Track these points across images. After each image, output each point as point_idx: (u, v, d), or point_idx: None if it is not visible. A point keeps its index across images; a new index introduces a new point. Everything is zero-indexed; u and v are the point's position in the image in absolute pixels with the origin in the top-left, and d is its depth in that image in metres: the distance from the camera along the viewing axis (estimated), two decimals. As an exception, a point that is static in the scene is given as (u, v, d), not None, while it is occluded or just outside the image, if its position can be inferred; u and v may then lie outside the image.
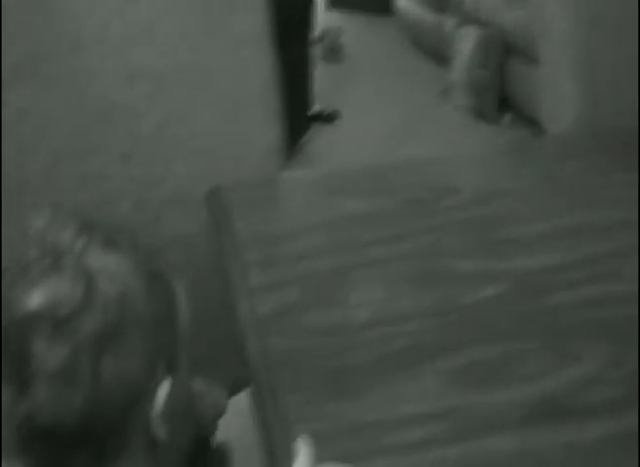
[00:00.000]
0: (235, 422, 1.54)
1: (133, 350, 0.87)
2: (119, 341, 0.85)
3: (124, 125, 1.63)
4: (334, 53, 4.71)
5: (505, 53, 3.76)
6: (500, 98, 3.85)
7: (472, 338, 1.16)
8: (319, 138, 3.75)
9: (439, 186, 1.53)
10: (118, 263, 0.88)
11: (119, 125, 1.62)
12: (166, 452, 0.98)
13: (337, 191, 1.54)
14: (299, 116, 3.30)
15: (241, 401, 1.57)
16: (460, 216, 1.44)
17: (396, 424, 1.01)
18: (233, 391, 1.53)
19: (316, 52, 4.38)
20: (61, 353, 0.83)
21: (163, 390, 0.91)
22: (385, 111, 3.94)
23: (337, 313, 1.21)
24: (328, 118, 3.97)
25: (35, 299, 0.84)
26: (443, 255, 1.34)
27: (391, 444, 0.99)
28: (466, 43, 3.89)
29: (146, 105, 1.65)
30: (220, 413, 1.19)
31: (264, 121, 1.76)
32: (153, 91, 1.65)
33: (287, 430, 1.01)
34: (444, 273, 1.29)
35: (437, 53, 4.38)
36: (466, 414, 1.03)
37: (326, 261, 1.33)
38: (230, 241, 1.38)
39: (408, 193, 1.51)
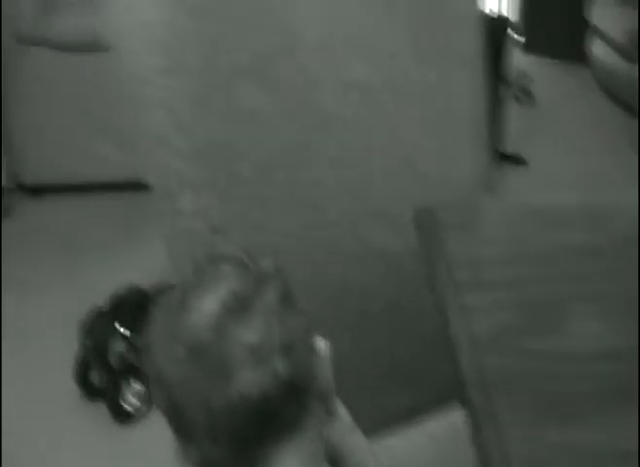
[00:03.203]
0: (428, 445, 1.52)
1: (299, 309, 0.98)
2: (292, 303, 0.97)
3: (336, 134, 1.63)
4: (525, 96, 4.66)
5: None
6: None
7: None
8: (507, 179, 3.71)
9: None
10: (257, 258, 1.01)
11: (332, 133, 1.62)
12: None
13: (548, 222, 1.50)
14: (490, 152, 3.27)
15: (432, 423, 1.55)
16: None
17: (617, 457, 0.97)
18: (440, 405, 1.51)
19: (508, 93, 4.35)
20: (257, 326, 0.92)
21: (323, 345, 1.04)
22: (575, 159, 3.88)
23: (554, 340, 1.17)
24: (517, 160, 3.92)
25: (219, 293, 0.93)
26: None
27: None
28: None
29: (358, 116, 1.65)
30: None
31: (472, 143, 1.74)
32: (365, 104, 1.65)
33: (505, 450, 0.97)
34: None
35: (629, 105, 4.29)
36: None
37: (541, 289, 1.29)
38: (442, 261, 1.36)
39: (623, 231, 1.45)
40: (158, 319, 0.97)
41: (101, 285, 3.01)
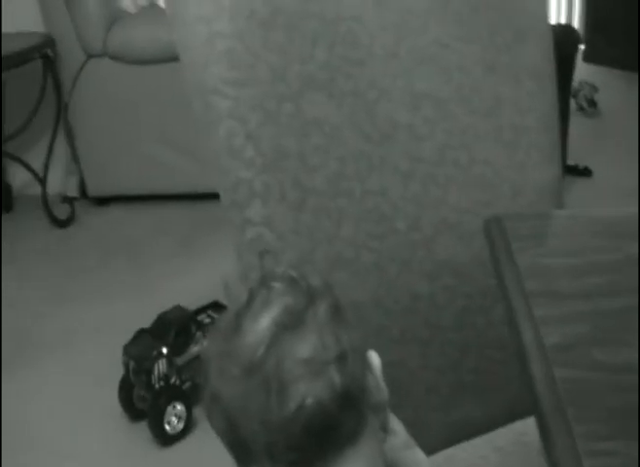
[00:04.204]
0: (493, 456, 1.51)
1: (351, 323, 1.00)
2: (343, 317, 0.99)
3: (406, 146, 1.63)
4: (589, 106, 4.63)
5: None
6: None
7: None
8: (572, 191, 3.69)
9: None
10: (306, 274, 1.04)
11: (401, 145, 1.63)
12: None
13: (614, 233, 1.49)
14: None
15: (501, 437, 1.54)
16: None
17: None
18: (511, 419, 1.51)
19: (573, 103, 4.33)
20: (310, 339, 0.94)
21: (375, 358, 1.04)
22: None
23: (625, 352, 1.16)
24: (582, 172, 3.90)
25: (272, 311, 0.95)
26: None
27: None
28: None
29: (428, 128, 1.65)
30: None
31: (543, 156, 1.74)
32: (436, 115, 1.65)
33: (577, 463, 0.97)
34: None
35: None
36: None
37: (611, 301, 1.28)
38: (511, 271, 1.35)
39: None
40: (212, 341, 1.01)
41: (163, 296, 3.04)
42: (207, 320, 2.79)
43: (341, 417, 0.95)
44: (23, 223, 4.15)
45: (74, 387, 2.92)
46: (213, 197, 1.60)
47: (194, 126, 1.58)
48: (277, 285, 1.00)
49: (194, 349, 2.68)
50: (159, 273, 3.55)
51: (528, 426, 1.31)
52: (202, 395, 1.01)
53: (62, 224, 4.09)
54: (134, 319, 2.79)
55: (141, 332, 2.72)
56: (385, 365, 1.08)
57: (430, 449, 1.50)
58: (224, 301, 2.84)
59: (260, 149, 1.49)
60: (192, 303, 2.85)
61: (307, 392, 0.92)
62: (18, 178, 4.31)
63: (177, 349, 2.64)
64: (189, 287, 3.23)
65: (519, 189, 1.72)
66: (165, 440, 2.60)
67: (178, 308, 2.77)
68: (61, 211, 4.10)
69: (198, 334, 2.71)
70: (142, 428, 2.63)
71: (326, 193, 1.55)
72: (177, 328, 2.67)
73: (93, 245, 3.91)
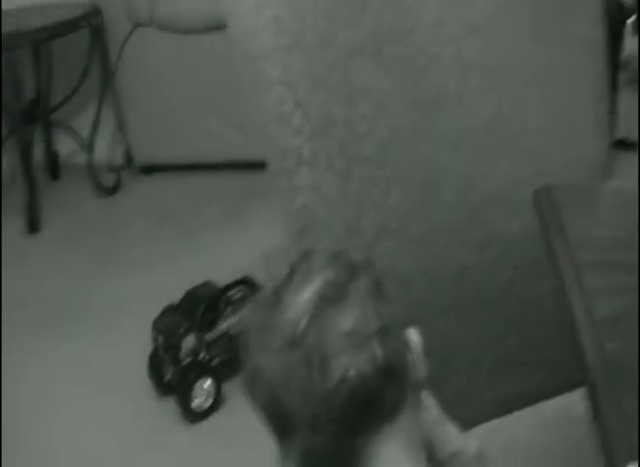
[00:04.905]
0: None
1: (391, 300, 1.01)
2: (384, 293, 1.00)
3: (455, 116, 1.62)
4: (638, 79, 4.57)
5: None
6: None
7: None
8: (620, 163, 3.65)
9: None
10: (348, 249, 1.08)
11: (450, 114, 1.61)
12: None
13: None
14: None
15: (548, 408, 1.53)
16: None
17: None
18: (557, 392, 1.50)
19: (620, 77, 4.27)
20: (352, 312, 0.95)
21: (415, 335, 1.04)
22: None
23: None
24: (631, 145, 3.85)
25: (314, 284, 0.96)
26: None
27: None
28: None
29: (478, 98, 1.63)
30: None
31: (593, 127, 1.72)
32: (485, 85, 1.64)
33: (628, 434, 0.96)
34: None
35: None
36: None
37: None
38: (561, 243, 1.34)
39: None
40: (252, 315, 1.01)
41: (208, 265, 3.04)
42: (237, 295, 2.76)
43: (383, 390, 0.96)
44: (70, 191, 4.18)
45: (106, 358, 2.93)
46: (260, 166, 1.60)
47: (240, 96, 1.57)
48: (318, 259, 1.01)
49: (223, 325, 2.66)
50: (204, 242, 3.55)
51: (575, 398, 1.30)
52: (242, 369, 1.01)
53: (108, 192, 4.11)
54: (177, 289, 2.78)
55: (169, 307, 2.71)
56: (430, 336, 1.08)
57: (474, 421, 1.50)
58: (258, 275, 2.81)
59: (308, 116, 1.49)
60: (238, 271, 2.83)
61: (350, 365, 0.93)
62: (65, 147, 4.34)
63: (206, 325, 2.63)
64: (235, 256, 3.23)
65: (569, 160, 1.71)
66: (193, 416, 2.57)
67: (207, 284, 2.75)
68: (108, 180, 4.12)
69: (228, 310, 2.70)
70: (171, 403, 2.62)
71: (373, 161, 1.54)
72: (206, 304, 2.66)
73: (139, 214, 3.93)
